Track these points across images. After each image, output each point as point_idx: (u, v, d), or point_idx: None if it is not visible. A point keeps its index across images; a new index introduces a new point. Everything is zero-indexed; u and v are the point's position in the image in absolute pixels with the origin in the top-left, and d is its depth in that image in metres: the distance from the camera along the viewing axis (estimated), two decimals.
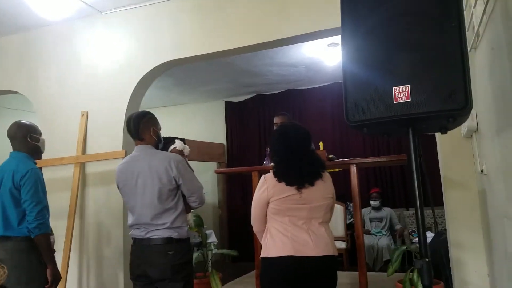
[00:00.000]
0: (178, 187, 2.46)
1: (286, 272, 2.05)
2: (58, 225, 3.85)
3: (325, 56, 5.71)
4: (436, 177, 3.52)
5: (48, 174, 4.22)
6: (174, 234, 2.39)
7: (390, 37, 1.62)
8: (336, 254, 2.11)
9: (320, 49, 5.49)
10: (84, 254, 4.04)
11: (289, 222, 2.09)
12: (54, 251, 3.74)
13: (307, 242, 2.04)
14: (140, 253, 2.43)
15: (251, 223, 2.27)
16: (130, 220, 2.51)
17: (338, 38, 4.72)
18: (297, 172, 2.10)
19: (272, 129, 7.33)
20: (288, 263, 2.04)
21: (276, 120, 4.05)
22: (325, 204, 2.11)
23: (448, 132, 1.71)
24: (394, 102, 1.57)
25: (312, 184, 2.09)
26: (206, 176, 6.99)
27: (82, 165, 4.10)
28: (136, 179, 2.46)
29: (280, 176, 2.12)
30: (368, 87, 1.65)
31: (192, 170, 2.59)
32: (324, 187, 2.12)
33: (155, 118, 2.61)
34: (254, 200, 2.21)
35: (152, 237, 2.39)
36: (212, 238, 5.59)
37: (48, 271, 2.55)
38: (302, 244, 2.03)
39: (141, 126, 2.51)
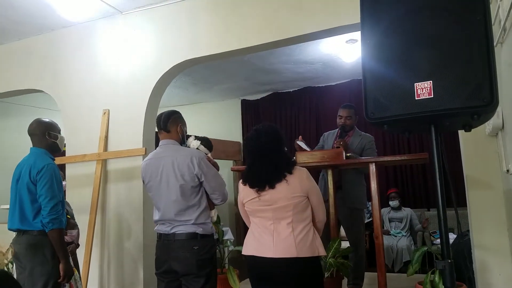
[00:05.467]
0: (200, 184, 2.49)
1: (252, 270, 2.20)
2: (80, 220, 3.91)
3: (343, 52, 5.63)
4: (458, 176, 3.44)
5: (71, 171, 4.32)
6: (198, 230, 2.44)
7: (411, 32, 1.57)
8: (310, 255, 2.06)
9: (338, 46, 5.41)
10: (105, 249, 4.10)
11: (259, 222, 2.19)
12: (78, 245, 3.82)
13: (268, 243, 2.10)
14: (166, 248, 2.47)
15: None
16: (156, 216, 2.57)
17: (356, 34, 4.64)
18: (256, 175, 2.17)
19: (289, 126, 7.34)
20: (251, 262, 2.17)
21: (340, 112, 3.99)
22: (291, 203, 2.10)
23: (472, 130, 1.65)
24: (416, 98, 1.52)
25: (272, 187, 2.12)
26: (222, 174, 6.88)
27: (104, 162, 4.15)
28: (160, 176, 2.52)
29: (244, 179, 2.24)
30: (388, 83, 1.60)
31: (218, 167, 2.62)
32: (288, 188, 2.11)
33: (183, 118, 2.74)
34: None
35: (177, 232, 2.44)
36: (229, 235, 5.59)
37: (61, 266, 2.58)
38: (263, 244, 2.12)
39: (170, 120, 2.62)
